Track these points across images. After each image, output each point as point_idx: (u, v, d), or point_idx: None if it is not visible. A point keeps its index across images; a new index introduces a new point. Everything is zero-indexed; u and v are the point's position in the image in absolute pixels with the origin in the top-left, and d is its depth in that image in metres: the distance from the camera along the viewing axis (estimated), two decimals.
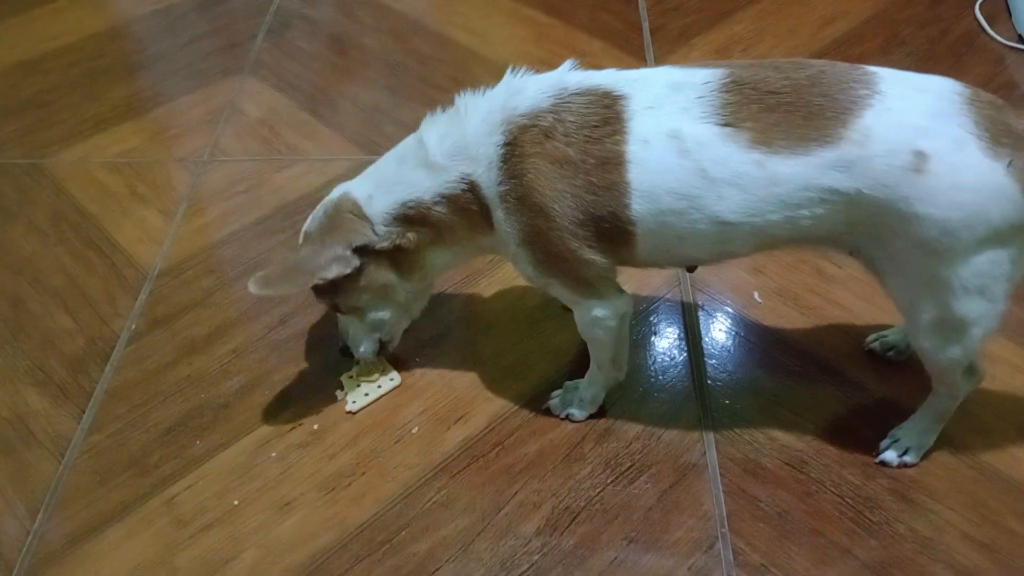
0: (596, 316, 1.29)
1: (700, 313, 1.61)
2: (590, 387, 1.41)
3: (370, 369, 1.51)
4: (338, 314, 1.43)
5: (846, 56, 2.22)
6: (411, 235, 1.29)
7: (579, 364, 1.49)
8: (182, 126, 2.13)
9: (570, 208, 1.15)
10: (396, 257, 1.32)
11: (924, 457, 1.35)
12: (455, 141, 1.22)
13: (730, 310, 1.61)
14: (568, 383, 1.46)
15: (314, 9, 2.56)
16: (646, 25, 2.39)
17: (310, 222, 1.35)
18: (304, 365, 1.55)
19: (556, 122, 1.14)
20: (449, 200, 1.25)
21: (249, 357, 1.57)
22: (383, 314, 1.41)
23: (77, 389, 1.53)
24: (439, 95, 2.15)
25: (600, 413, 1.43)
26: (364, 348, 1.45)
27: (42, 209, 1.91)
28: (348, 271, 1.28)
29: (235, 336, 1.61)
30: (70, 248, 1.81)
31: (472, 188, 1.22)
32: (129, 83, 2.30)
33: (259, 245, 1.79)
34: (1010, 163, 1.03)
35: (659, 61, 2.25)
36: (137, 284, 1.72)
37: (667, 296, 1.64)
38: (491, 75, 1.23)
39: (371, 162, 1.33)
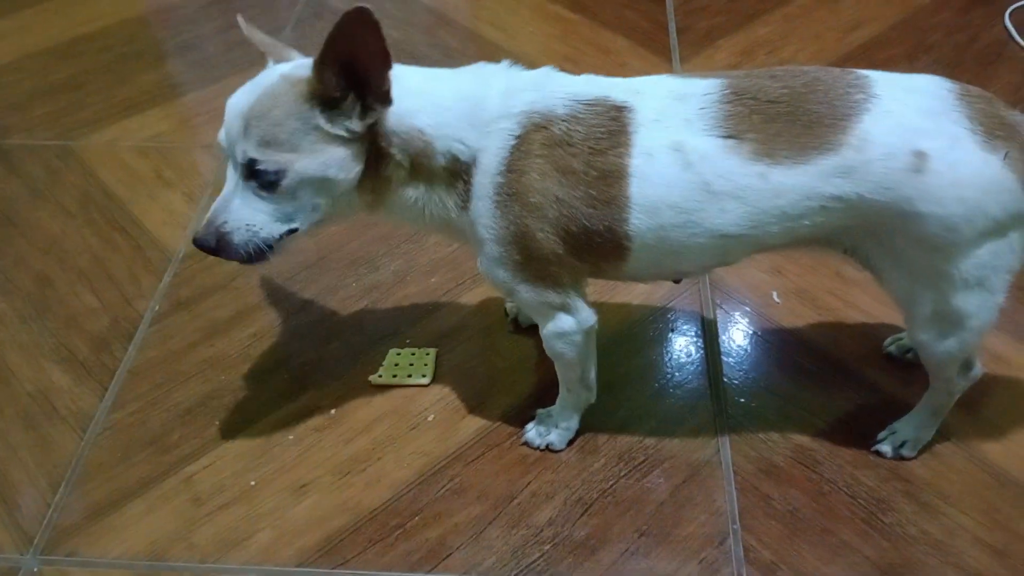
0: (562, 330, 1.25)
1: (718, 311, 1.61)
2: (563, 413, 1.38)
3: (414, 360, 1.53)
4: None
5: (872, 62, 2.21)
6: (401, 159, 1.13)
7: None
8: (209, 113, 2.16)
9: (564, 217, 1.11)
10: (375, 162, 1.14)
11: (922, 452, 1.36)
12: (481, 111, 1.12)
13: (748, 309, 1.62)
14: (540, 411, 1.42)
15: (344, 2, 2.58)
16: (672, 25, 2.39)
17: None
18: (323, 351, 1.57)
19: (568, 131, 1.11)
20: (448, 158, 1.12)
21: (269, 341, 1.59)
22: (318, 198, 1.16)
23: (100, 367, 1.56)
24: None
25: (576, 436, 1.41)
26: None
27: (70, 190, 1.94)
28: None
29: (256, 320, 1.62)
30: (97, 229, 1.84)
31: (458, 160, 1.12)
32: (159, 69, 2.33)
33: None
34: (1007, 155, 1.04)
35: (684, 61, 2.25)
36: (161, 266, 1.74)
37: (685, 293, 1.64)
38: None
39: None
